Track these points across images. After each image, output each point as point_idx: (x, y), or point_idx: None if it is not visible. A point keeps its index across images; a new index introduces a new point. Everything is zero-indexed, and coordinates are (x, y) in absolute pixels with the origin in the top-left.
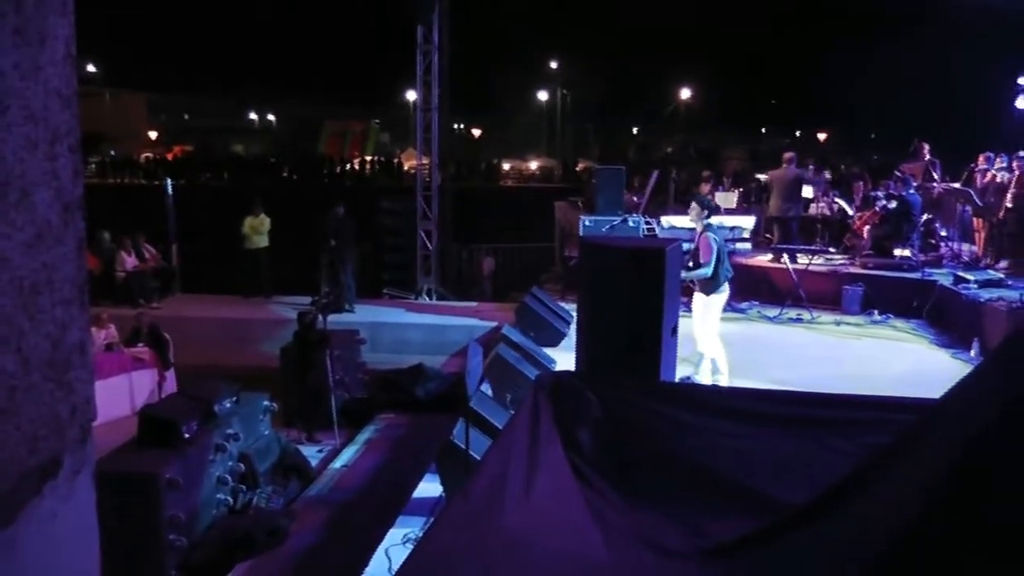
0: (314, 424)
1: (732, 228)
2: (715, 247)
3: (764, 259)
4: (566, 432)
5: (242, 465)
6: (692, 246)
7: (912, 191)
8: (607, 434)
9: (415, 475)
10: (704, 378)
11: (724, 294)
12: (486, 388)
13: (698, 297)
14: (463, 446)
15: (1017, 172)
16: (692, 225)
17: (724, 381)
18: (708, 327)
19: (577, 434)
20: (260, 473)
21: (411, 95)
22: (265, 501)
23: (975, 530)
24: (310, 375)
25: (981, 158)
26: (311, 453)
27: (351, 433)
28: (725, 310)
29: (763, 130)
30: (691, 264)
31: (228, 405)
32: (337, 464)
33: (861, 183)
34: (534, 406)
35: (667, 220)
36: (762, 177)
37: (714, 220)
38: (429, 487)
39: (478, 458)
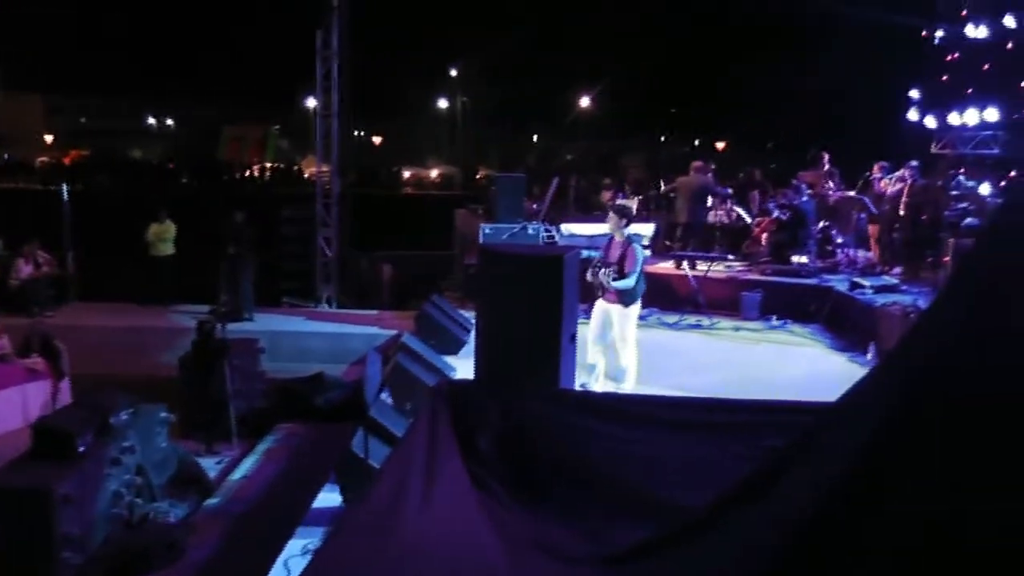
0: (213, 435)
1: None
2: (640, 258)
3: (664, 266)
4: (465, 440)
5: (139, 478)
6: (600, 254)
7: (805, 199)
8: (506, 441)
9: (315, 485)
10: (598, 386)
11: (638, 306)
12: (386, 397)
13: (614, 308)
14: (362, 455)
15: (909, 181)
16: (601, 232)
17: (629, 390)
18: (627, 337)
19: (476, 441)
20: (157, 486)
21: (311, 101)
22: (162, 515)
23: (871, 528)
24: (209, 385)
25: (876, 167)
26: (210, 464)
27: (250, 443)
28: None
29: (663, 138)
30: (614, 273)
31: (125, 417)
32: (236, 475)
33: (756, 192)
34: (433, 414)
35: (567, 227)
36: (663, 186)
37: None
38: (329, 497)
39: (378, 467)
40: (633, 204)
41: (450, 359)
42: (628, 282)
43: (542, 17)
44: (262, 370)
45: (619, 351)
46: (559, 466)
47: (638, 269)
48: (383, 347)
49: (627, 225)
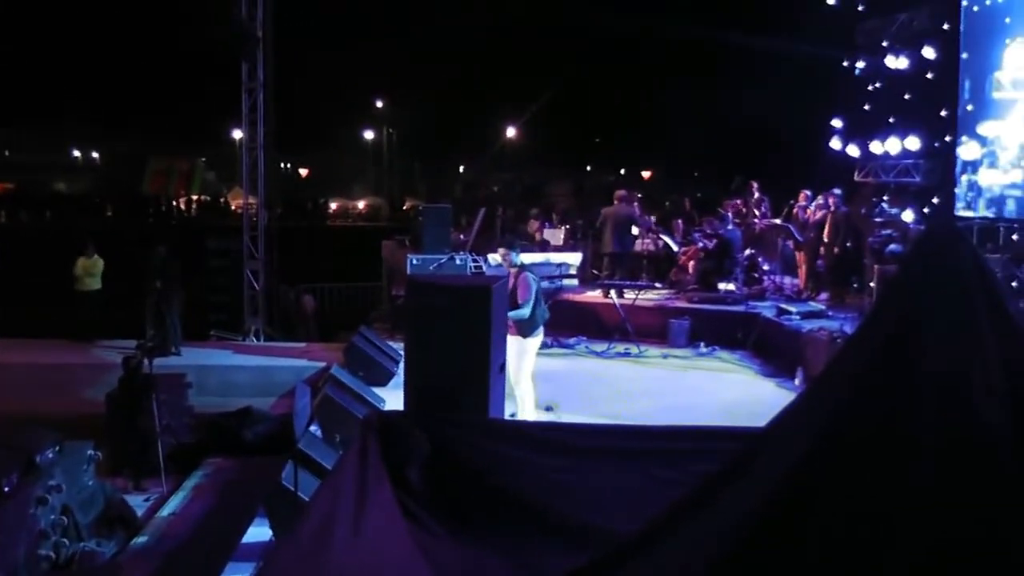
0: (141, 471)
1: (559, 264)
2: (533, 287)
3: (592, 295)
4: (395, 471)
5: (65, 518)
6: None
7: (731, 227)
8: (436, 472)
9: (244, 520)
10: (528, 414)
11: (540, 337)
12: (315, 429)
13: (512, 339)
14: (292, 488)
15: (833, 208)
16: (532, 261)
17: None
18: (523, 369)
19: (406, 473)
20: (84, 525)
21: (237, 133)
22: (89, 554)
23: (799, 550)
24: (136, 421)
25: (801, 195)
26: (138, 502)
27: (179, 479)
28: (551, 345)
29: (588, 167)
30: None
31: (50, 455)
32: (164, 512)
33: (680, 221)
34: (362, 446)
35: (494, 257)
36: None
37: (539, 257)
38: (259, 531)
39: (307, 500)
40: (561, 233)
41: (380, 391)
42: (521, 312)
43: (467, 47)
44: (190, 405)
45: (513, 382)
46: (490, 496)
47: (531, 298)
48: (312, 379)
49: (517, 255)
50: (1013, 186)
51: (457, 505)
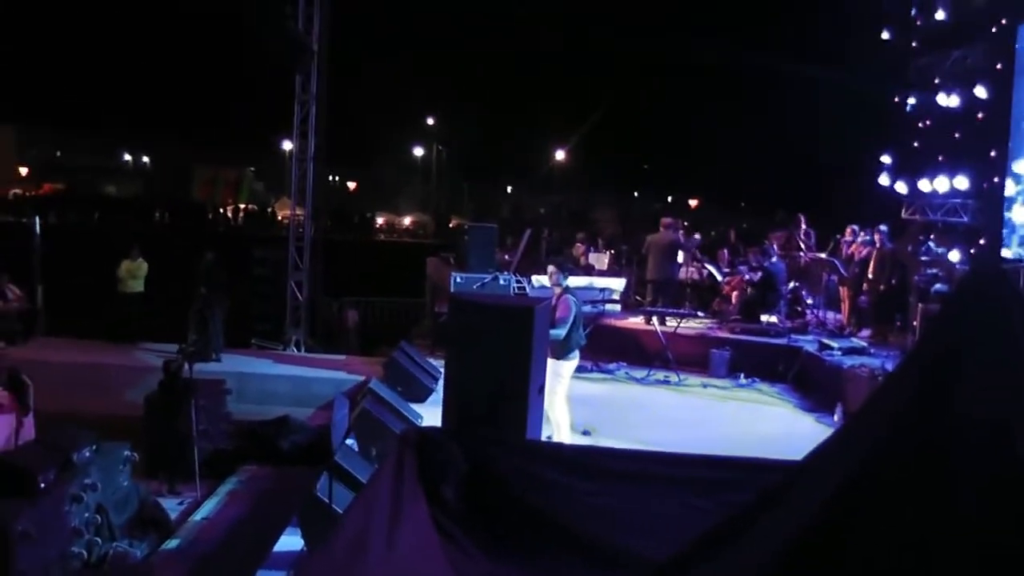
0: (176, 475)
1: (603, 289)
2: (574, 309)
3: (634, 321)
4: (431, 488)
5: (99, 517)
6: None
7: (775, 259)
8: (472, 491)
9: (277, 528)
10: (564, 437)
11: (574, 361)
12: (352, 442)
13: (549, 361)
14: (327, 500)
15: (879, 245)
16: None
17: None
18: (557, 391)
19: (442, 490)
20: (117, 525)
21: (288, 145)
22: (121, 554)
23: None
24: (174, 425)
25: (847, 230)
26: (171, 505)
27: (213, 485)
28: (591, 370)
29: (635, 194)
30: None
31: (87, 454)
32: (197, 516)
33: (725, 250)
34: (399, 461)
35: (538, 279)
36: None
37: (583, 281)
38: (291, 540)
39: (341, 512)
40: (605, 258)
41: (417, 407)
42: (557, 332)
43: (520, 68)
44: (228, 411)
45: (547, 404)
46: (524, 517)
47: (569, 320)
48: (351, 392)
49: (566, 278)
50: (1016, 259)
51: (491, 524)
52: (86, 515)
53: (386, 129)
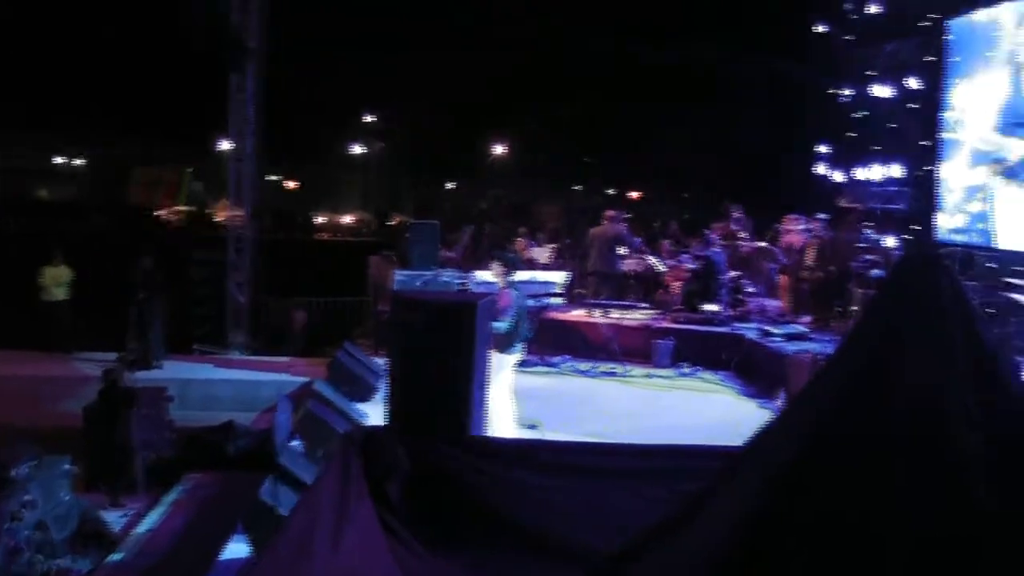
0: (119, 487)
1: (546, 283)
2: (515, 303)
3: (577, 314)
4: (376, 486)
5: (39, 533)
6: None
7: (717, 250)
8: (417, 488)
9: (223, 536)
10: (510, 432)
11: (517, 355)
12: (297, 444)
13: (492, 354)
14: (272, 504)
15: (818, 233)
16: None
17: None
18: (499, 384)
19: (387, 488)
20: (58, 542)
21: (225, 144)
22: (64, 571)
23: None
24: (115, 435)
25: (786, 219)
26: (114, 518)
27: (157, 495)
28: (537, 364)
29: (577, 187)
30: None
31: (27, 470)
32: (141, 528)
33: (667, 241)
34: (343, 461)
35: (481, 275)
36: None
37: (525, 275)
38: (238, 548)
39: (287, 515)
40: (548, 252)
41: (362, 406)
42: (498, 326)
43: (458, 63)
44: (171, 419)
45: (493, 398)
46: (471, 513)
47: (510, 313)
48: (294, 394)
49: (511, 273)
50: (957, 231)
51: (438, 521)
52: (26, 532)
53: (325, 127)
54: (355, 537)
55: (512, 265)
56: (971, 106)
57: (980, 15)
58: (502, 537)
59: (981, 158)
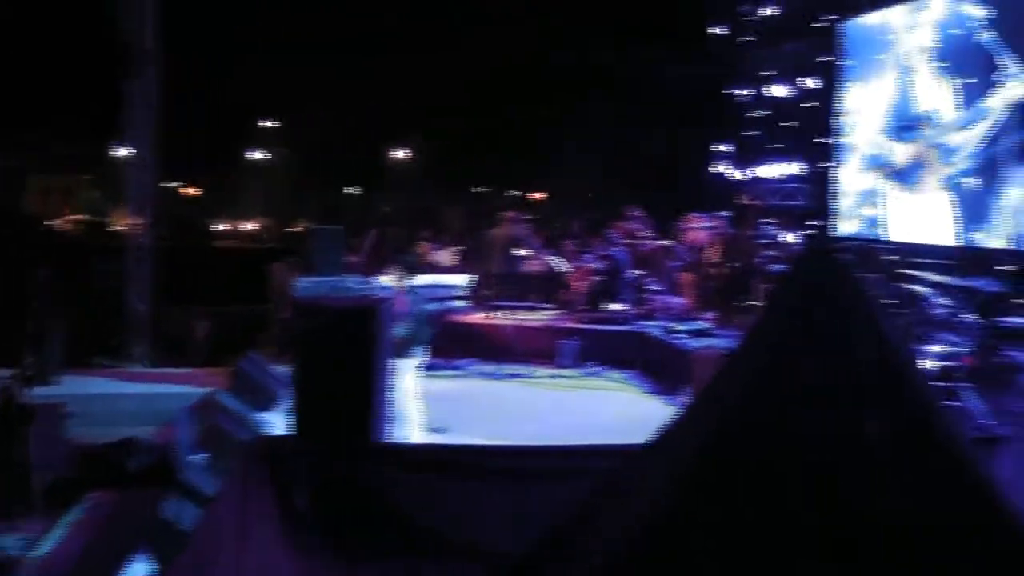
0: (15, 509)
1: (449, 286)
2: (411, 307)
3: (481, 316)
4: (280, 498)
5: None
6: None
7: (619, 249)
8: (323, 497)
9: (125, 556)
10: (415, 437)
11: (417, 358)
12: (200, 458)
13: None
14: (174, 520)
15: (720, 230)
16: (421, 284)
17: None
18: (403, 389)
19: (292, 499)
20: None
21: (123, 152)
22: None
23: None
24: (10, 455)
25: (688, 217)
26: (11, 542)
27: (56, 516)
28: (442, 367)
29: (479, 189)
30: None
31: None
32: (39, 551)
33: (571, 241)
34: (246, 473)
35: (384, 279)
36: (490, 234)
37: (429, 279)
38: (142, 567)
39: (190, 531)
40: (451, 255)
41: (267, 416)
42: (398, 331)
43: (358, 66)
44: (69, 436)
45: (398, 403)
46: (378, 520)
47: (407, 318)
48: (197, 406)
49: (410, 277)
50: (849, 237)
51: (344, 530)
52: None
53: (225, 133)
54: (260, 551)
55: (410, 269)
56: (863, 109)
57: (872, 18)
58: (411, 543)
59: (871, 162)
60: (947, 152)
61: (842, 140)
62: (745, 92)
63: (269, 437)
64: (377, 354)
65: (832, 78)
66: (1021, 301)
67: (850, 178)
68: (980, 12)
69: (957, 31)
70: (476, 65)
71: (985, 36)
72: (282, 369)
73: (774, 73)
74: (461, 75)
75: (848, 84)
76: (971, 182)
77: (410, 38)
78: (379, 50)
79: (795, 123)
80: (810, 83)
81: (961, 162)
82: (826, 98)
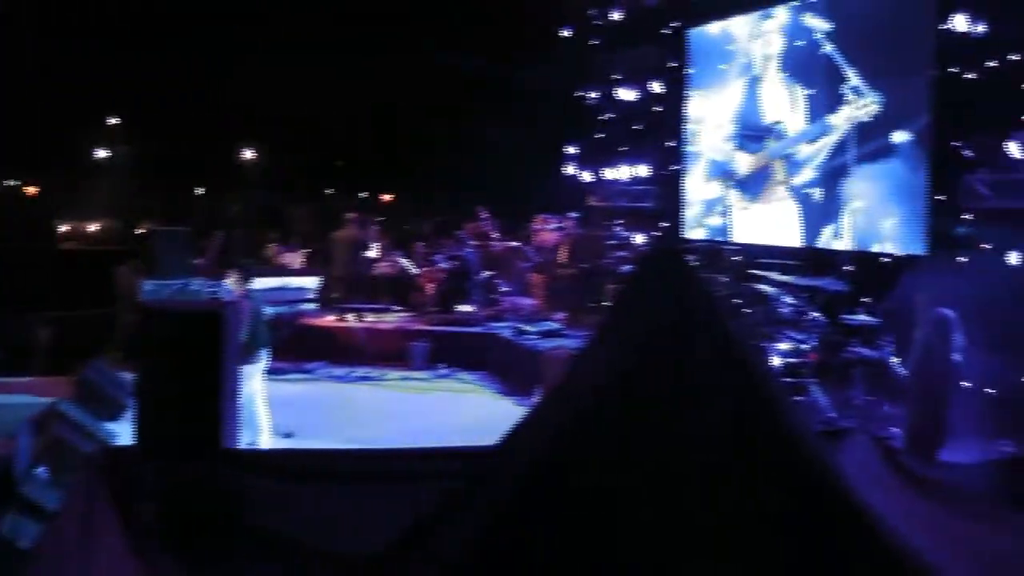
0: None
1: (298, 289)
2: (248, 311)
3: (331, 319)
4: (124, 509)
5: None
6: None
7: (470, 250)
8: (169, 508)
9: None
10: (265, 442)
11: (262, 363)
12: (41, 472)
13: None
14: (13, 538)
15: (569, 231)
16: (268, 287)
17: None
18: (249, 394)
19: (136, 510)
20: None
21: None
22: None
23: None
24: None
25: (538, 218)
26: None
27: None
28: (291, 371)
29: (329, 190)
30: None
31: None
32: None
33: (421, 242)
34: (88, 485)
35: (231, 282)
36: (335, 236)
37: (277, 281)
38: None
39: (30, 549)
40: (300, 257)
41: (113, 426)
42: (237, 337)
43: (205, 64)
44: None
45: (245, 408)
46: (227, 530)
47: (247, 325)
48: (38, 417)
49: (248, 281)
50: (696, 239)
51: (193, 541)
52: None
53: (66, 130)
54: (105, 566)
55: (248, 272)
56: (707, 118)
57: (715, 27)
58: (262, 551)
59: (717, 170)
60: (794, 164)
61: (688, 148)
62: (594, 95)
63: (113, 447)
64: (224, 359)
65: (679, 83)
66: (864, 299)
67: (696, 186)
68: (823, 25)
69: (802, 43)
70: (323, 65)
71: (828, 48)
72: (129, 376)
73: (621, 77)
74: (309, 76)
75: (693, 92)
76: (816, 191)
77: (258, 36)
78: (225, 46)
79: (642, 126)
80: (656, 87)
81: (807, 173)
82: (673, 103)
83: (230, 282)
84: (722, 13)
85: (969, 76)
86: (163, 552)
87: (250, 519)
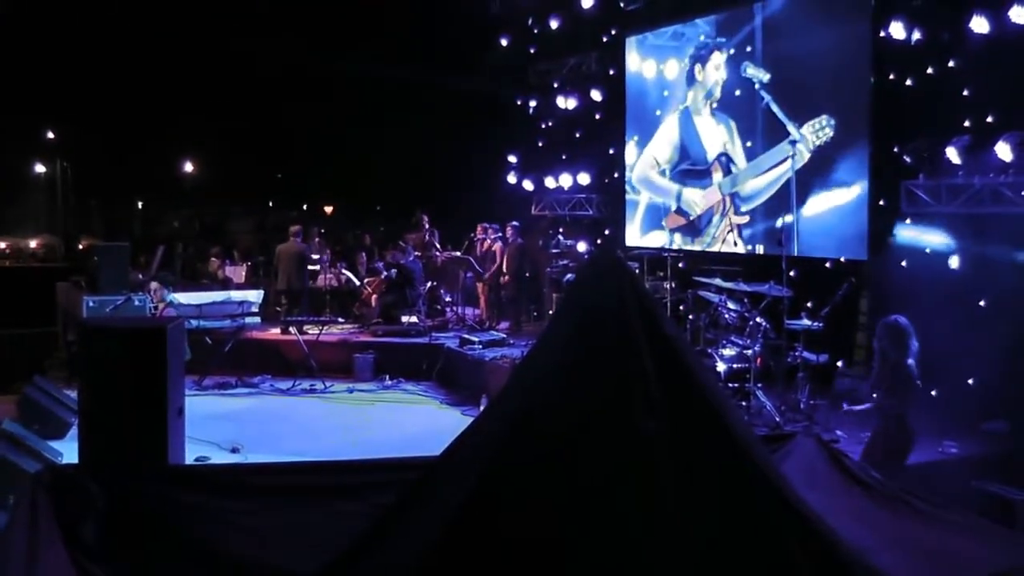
0: None
1: (241, 302)
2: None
3: (275, 332)
4: (68, 529)
5: None
6: None
7: (412, 259)
8: (114, 527)
9: None
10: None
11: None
12: None
13: None
14: None
15: (511, 240)
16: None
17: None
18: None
19: (81, 530)
20: None
21: None
22: None
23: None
24: None
25: (480, 228)
26: None
27: None
28: (236, 385)
29: (270, 203)
30: None
31: None
32: None
33: (364, 253)
34: (32, 505)
35: (174, 296)
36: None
37: (220, 295)
38: None
39: None
40: (242, 271)
41: (57, 444)
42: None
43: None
44: None
45: None
46: (173, 547)
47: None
48: None
49: (169, 293)
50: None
51: (139, 559)
52: None
53: (4, 144)
54: None
55: (168, 286)
56: (646, 153)
57: (648, 70)
58: (206, 566)
59: (655, 216)
60: (740, 200)
61: (630, 197)
62: (533, 103)
63: (55, 466)
64: (168, 375)
65: (617, 92)
66: (807, 304)
67: (634, 233)
68: (763, 75)
69: (739, 91)
70: (265, 76)
71: (765, 95)
72: (72, 394)
73: (560, 85)
74: (250, 85)
75: (627, 140)
76: (758, 216)
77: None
78: (163, 58)
79: (583, 134)
80: (596, 95)
81: (752, 205)
82: (613, 109)
83: (151, 295)
84: (657, 22)
85: (908, 83)
86: (108, 571)
87: (197, 534)
